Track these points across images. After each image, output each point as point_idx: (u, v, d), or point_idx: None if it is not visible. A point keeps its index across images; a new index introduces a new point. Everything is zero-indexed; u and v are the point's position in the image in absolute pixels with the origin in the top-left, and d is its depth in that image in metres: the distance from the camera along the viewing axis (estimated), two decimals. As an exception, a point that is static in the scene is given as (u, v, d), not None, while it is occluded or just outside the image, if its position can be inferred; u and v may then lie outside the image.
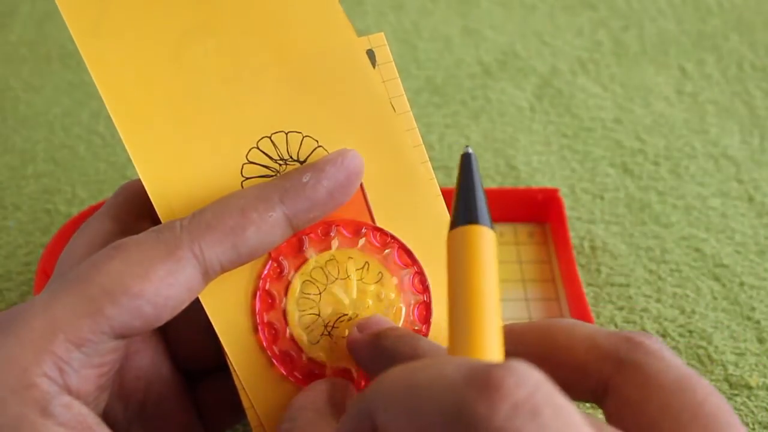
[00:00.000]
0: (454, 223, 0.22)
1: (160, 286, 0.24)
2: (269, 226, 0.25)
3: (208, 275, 0.25)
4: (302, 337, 0.27)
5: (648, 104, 0.51)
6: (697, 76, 0.53)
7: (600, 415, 0.22)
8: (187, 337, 0.29)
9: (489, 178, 0.47)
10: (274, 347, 0.27)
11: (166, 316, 0.25)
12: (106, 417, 0.26)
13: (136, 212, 0.29)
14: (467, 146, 0.23)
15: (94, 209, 0.42)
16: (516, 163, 0.48)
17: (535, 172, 0.47)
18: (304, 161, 0.28)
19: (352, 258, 0.28)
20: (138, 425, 0.28)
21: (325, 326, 0.27)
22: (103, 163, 0.47)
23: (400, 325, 0.28)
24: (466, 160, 0.23)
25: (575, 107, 0.51)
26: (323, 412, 0.25)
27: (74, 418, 0.23)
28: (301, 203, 0.26)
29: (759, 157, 0.48)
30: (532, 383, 0.16)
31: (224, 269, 0.25)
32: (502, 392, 0.16)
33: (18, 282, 0.42)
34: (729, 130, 0.50)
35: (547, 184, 0.47)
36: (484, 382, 0.16)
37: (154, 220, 0.27)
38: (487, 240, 0.22)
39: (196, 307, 0.26)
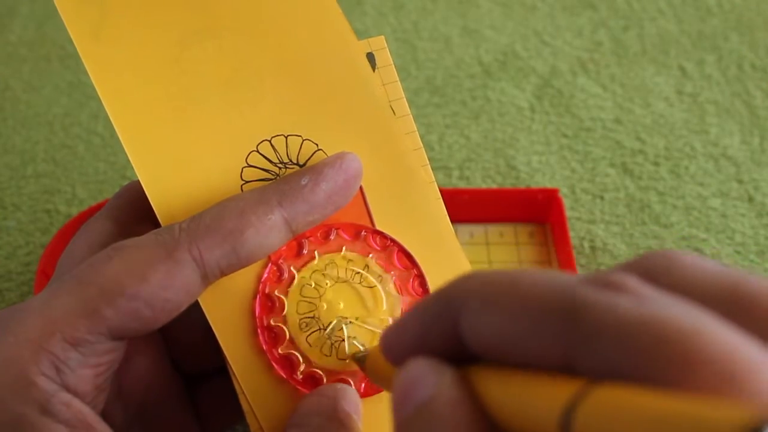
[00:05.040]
0: None
1: (158, 288, 0.24)
2: (268, 228, 0.25)
3: (207, 278, 0.25)
4: (302, 340, 0.27)
5: (648, 104, 0.51)
6: (697, 76, 0.53)
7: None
8: (187, 339, 0.29)
9: (489, 178, 0.47)
10: (274, 351, 0.27)
11: (164, 318, 0.25)
12: (105, 418, 0.26)
13: (136, 214, 0.29)
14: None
15: (94, 209, 0.42)
16: (516, 163, 0.48)
17: (535, 172, 0.47)
18: (304, 165, 0.28)
19: (351, 261, 0.28)
20: (137, 426, 0.28)
21: (325, 329, 0.27)
22: (103, 163, 0.47)
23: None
24: None
25: (575, 107, 0.51)
26: (332, 418, 0.25)
27: (74, 416, 0.23)
28: (300, 206, 0.26)
29: (759, 157, 0.48)
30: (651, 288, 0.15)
31: (224, 272, 0.25)
32: (625, 288, 0.15)
33: (18, 282, 0.42)
34: (729, 130, 0.50)
35: (547, 185, 0.47)
36: (604, 281, 0.15)
37: (155, 222, 0.27)
38: None
39: (195, 309, 0.26)
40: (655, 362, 0.13)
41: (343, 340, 0.27)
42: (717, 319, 0.14)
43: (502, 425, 0.16)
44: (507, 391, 0.16)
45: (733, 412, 0.12)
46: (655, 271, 0.16)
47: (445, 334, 0.18)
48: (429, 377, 0.17)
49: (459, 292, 0.18)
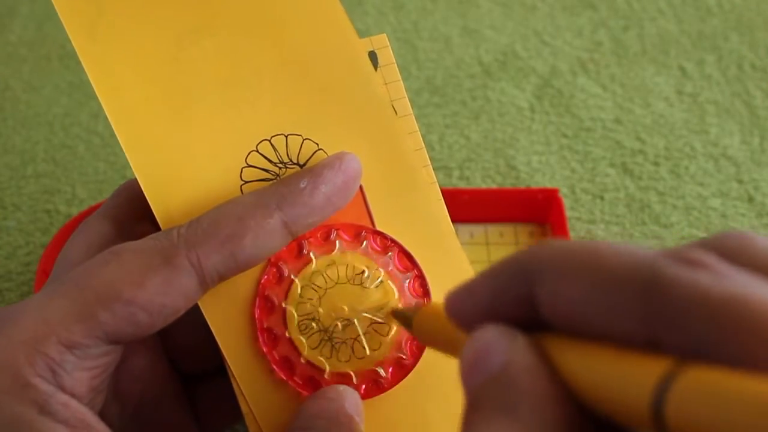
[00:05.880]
0: None
1: (154, 293, 0.24)
2: (267, 233, 0.25)
3: (205, 284, 0.25)
4: (302, 342, 0.27)
5: (648, 104, 0.51)
6: (697, 76, 0.53)
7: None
8: (185, 339, 0.29)
9: (489, 178, 0.47)
10: (274, 352, 0.27)
11: (161, 323, 0.25)
12: (102, 418, 0.26)
13: (134, 214, 0.29)
14: None
15: (94, 209, 0.42)
16: (516, 163, 0.48)
17: (535, 172, 0.47)
18: (304, 165, 0.28)
19: (351, 262, 0.28)
20: (134, 427, 0.28)
21: (325, 331, 0.27)
22: (103, 163, 0.47)
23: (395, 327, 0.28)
24: None
25: (575, 107, 0.51)
26: (336, 421, 0.25)
27: (73, 416, 0.23)
28: (299, 209, 0.26)
29: (759, 157, 0.48)
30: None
31: (222, 278, 0.25)
32: (704, 265, 0.15)
33: (18, 282, 0.42)
34: (729, 130, 0.50)
35: (547, 185, 0.47)
36: (684, 257, 0.15)
37: (153, 221, 0.27)
38: None
39: (193, 309, 0.26)
40: (742, 341, 0.14)
41: (344, 341, 0.27)
42: None
43: (582, 397, 0.16)
44: (591, 364, 0.16)
45: None
46: (730, 249, 0.16)
47: (518, 300, 0.18)
48: (502, 343, 0.17)
49: (537, 258, 0.17)
